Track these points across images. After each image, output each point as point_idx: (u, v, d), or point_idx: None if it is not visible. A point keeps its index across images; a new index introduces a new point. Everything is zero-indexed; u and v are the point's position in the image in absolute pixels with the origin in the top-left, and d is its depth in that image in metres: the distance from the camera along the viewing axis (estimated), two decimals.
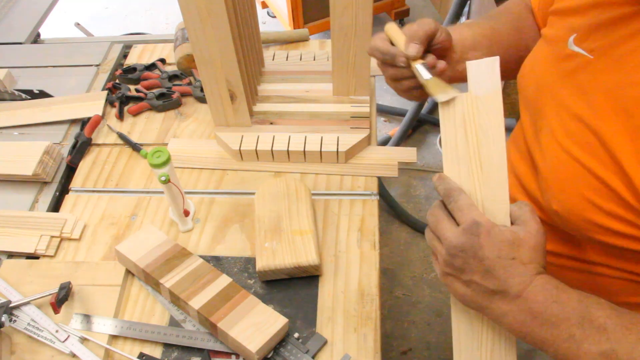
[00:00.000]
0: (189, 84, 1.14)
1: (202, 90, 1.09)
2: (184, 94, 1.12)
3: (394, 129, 2.22)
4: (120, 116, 1.09)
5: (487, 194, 0.58)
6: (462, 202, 0.56)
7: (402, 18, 2.74)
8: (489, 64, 0.57)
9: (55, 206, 0.96)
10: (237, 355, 0.73)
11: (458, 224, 0.56)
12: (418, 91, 0.70)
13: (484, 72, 0.58)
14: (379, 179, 0.96)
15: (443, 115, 0.59)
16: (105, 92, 1.13)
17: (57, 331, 0.75)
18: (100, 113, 1.07)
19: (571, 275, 0.69)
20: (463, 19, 2.01)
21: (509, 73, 0.75)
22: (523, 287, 0.53)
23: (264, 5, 2.79)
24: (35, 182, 0.97)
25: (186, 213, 0.88)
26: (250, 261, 0.84)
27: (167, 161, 0.79)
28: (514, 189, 0.74)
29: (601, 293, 0.61)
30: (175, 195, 0.83)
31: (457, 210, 0.56)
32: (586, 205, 0.58)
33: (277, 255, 0.79)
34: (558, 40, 0.65)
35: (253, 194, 0.92)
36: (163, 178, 0.78)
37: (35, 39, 1.35)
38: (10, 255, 0.87)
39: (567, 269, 0.70)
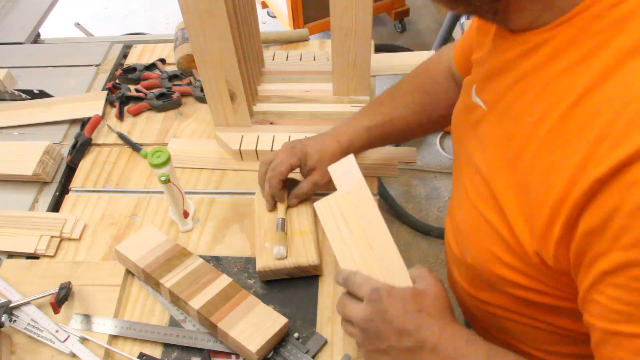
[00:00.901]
0: (189, 84, 1.14)
1: (202, 90, 1.09)
2: (184, 94, 1.12)
3: None
4: (120, 116, 1.09)
5: (384, 269, 0.63)
6: (358, 279, 0.60)
7: (402, 18, 2.74)
8: (347, 163, 0.69)
9: (55, 206, 0.96)
10: (237, 355, 0.73)
11: (360, 300, 0.59)
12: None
13: (346, 171, 0.69)
14: (379, 179, 0.96)
15: (322, 217, 0.68)
16: (105, 92, 1.13)
17: (57, 331, 0.75)
18: (100, 113, 1.07)
19: (505, 323, 0.65)
20: (463, 19, 2.01)
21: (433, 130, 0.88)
22: (437, 338, 0.54)
23: (264, 5, 2.80)
24: (35, 182, 0.97)
25: (186, 214, 0.88)
26: (250, 261, 0.83)
27: (167, 161, 0.79)
28: (446, 245, 0.73)
29: (528, 341, 0.64)
30: (175, 196, 0.83)
31: (357, 288, 0.60)
32: (491, 258, 0.56)
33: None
34: (466, 90, 0.65)
35: (253, 194, 0.92)
36: (163, 178, 0.78)
37: (35, 39, 1.35)
38: (10, 255, 0.87)
39: (499, 317, 0.65)
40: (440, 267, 1.86)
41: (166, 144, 1.03)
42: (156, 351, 0.75)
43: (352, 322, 0.60)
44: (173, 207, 0.86)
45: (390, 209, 2.00)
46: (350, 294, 0.62)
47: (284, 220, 0.82)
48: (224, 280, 0.77)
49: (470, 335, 0.55)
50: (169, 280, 0.77)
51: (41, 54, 1.27)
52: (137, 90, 1.13)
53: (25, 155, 0.97)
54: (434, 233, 1.93)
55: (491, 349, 0.54)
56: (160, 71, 1.17)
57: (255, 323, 0.71)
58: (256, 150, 0.96)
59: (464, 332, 0.55)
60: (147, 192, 0.95)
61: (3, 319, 0.73)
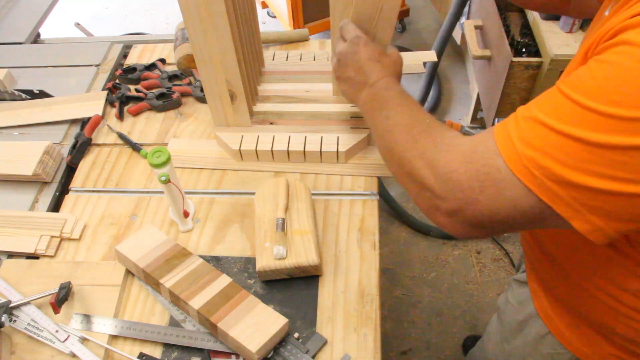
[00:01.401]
0: (189, 84, 1.14)
1: (202, 90, 1.09)
2: (184, 94, 1.12)
3: None
4: (120, 116, 1.09)
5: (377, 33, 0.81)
6: (349, 26, 0.80)
7: (402, 18, 2.74)
8: None
9: (55, 206, 0.96)
10: (237, 355, 0.73)
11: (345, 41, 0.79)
12: None
13: None
14: (379, 179, 0.96)
15: None
16: (105, 92, 1.13)
17: (57, 331, 0.75)
18: (100, 113, 1.07)
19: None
20: (463, 19, 2.01)
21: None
22: (375, 80, 0.74)
23: (264, 5, 2.80)
24: (35, 182, 0.97)
25: (186, 214, 0.88)
26: (250, 261, 0.83)
27: (167, 161, 0.79)
28: None
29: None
30: (175, 196, 0.83)
31: (346, 33, 0.80)
32: None
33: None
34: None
35: (253, 194, 0.92)
36: (163, 178, 0.78)
37: (35, 39, 1.35)
38: (10, 255, 0.87)
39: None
40: (440, 267, 1.86)
41: (166, 144, 1.03)
42: (156, 351, 0.75)
43: (334, 53, 0.80)
44: (173, 207, 0.86)
45: (390, 209, 2.00)
46: (342, 37, 0.81)
47: (283, 220, 0.82)
48: (224, 280, 0.77)
49: (399, 89, 0.72)
50: (169, 280, 0.77)
51: (41, 54, 1.27)
52: (137, 90, 1.13)
53: (25, 155, 0.97)
54: (434, 233, 1.93)
55: (405, 96, 0.70)
56: (160, 71, 1.17)
57: (255, 323, 0.71)
58: (256, 150, 0.96)
59: (397, 86, 0.73)
60: (147, 192, 0.95)
61: (3, 319, 0.73)
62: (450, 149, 0.56)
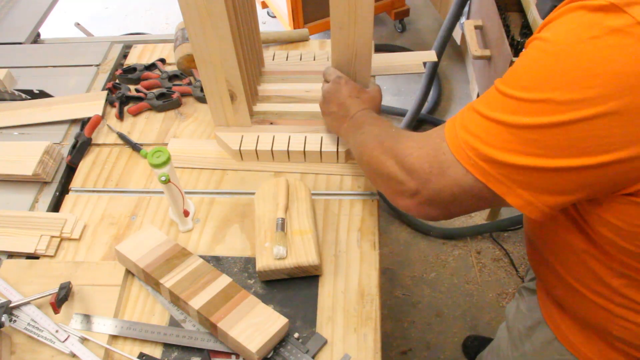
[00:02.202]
0: (189, 84, 1.14)
1: (202, 90, 1.09)
2: (184, 94, 1.12)
3: None
4: (120, 116, 1.09)
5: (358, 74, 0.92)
6: (331, 70, 0.92)
7: (402, 18, 2.74)
8: None
9: (55, 206, 0.96)
10: (237, 355, 0.73)
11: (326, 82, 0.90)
12: None
13: None
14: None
15: None
16: (105, 92, 1.13)
17: (57, 331, 0.75)
18: (100, 113, 1.07)
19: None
20: (463, 19, 2.01)
21: None
22: (355, 112, 0.84)
23: (264, 5, 2.79)
24: (35, 182, 0.97)
25: (186, 213, 0.88)
26: (250, 261, 0.84)
27: (167, 161, 0.79)
28: None
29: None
30: (175, 195, 0.83)
31: (327, 75, 0.92)
32: None
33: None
34: None
35: (253, 194, 0.92)
36: (163, 178, 0.78)
37: (35, 39, 1.35)
38: (10, 255, 0.87)
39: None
40: (440, 267, 1.86)
41: (166, 144, 1.03)
42: (156, 351, 0.75)
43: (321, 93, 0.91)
44: (173, 207, 0.86)
45: (390, 209, 2.00)
46: (325, 80, 0.92)
47: (283, 220, 0.82)
48: (224, 280, 0.77)
49: (375, 116, 0.82)
50: (169, 280, 0.77)
51: (41, 54, 1.27)
52: (137, 90, 1.13)
53: (25, 155, 0.97)
54: (434, 233, 1.93)
55: (378, 118, 0.81)
56: (160, 71, 1.17)
57: (255, 323, 0.71)
58: (256, 150, 0.96)
59: (374, 114, 0.83)
60: (147, 192, 0.95)
61: (3, 319, 0.73)
62: (408, 138, 0.65)
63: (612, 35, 0.47)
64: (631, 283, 0.62)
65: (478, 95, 2.07)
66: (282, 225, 0.81)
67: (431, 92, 2.18)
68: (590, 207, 0.59)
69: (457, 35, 2.41)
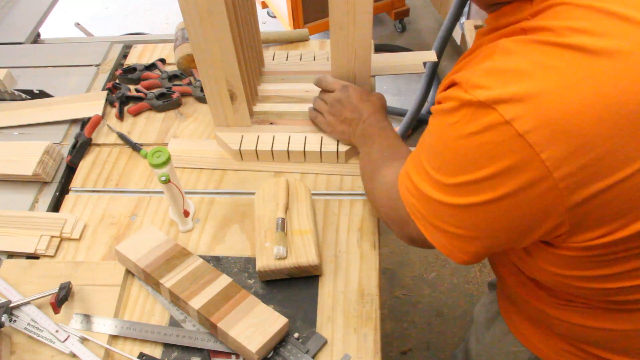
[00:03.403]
0: (189, 84, 1.14)
1: (202, 90, 1.09)
2: (184, 94, 1.12)
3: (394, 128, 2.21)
4: (120, 116, 1.09)
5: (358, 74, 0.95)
6: (330, 79, 0.95)
7: (402, 18, 2.74)
8: None
9: (55, 206, 0.96)
10: (237, 355, 0.73)
11: (333, 92, 0.93)
12: None
13: None
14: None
15: None
16: (105, 92, 1.13)
17: (57, 331, 0.75)
18: (100, 113, 1.07)
19: None
20: (463, 19, 2.01)
21: None
22: (367, 116, 0.88)
23: (264, 5, 2.79)
24: (35, 182, 0.97)
25: (186, 213, 0.88)
26: (250, 261, 0.84)
27: (167, 161, 0.79)
28: None
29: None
30: (176, 195, 0.83)
31: (329, 85, 0.94)
32: None
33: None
34: None
35: (253, 194, 0.92)
36: (163, 178, 0.78)
37: (35, 39, 1.35)
38: (10, 255, 0.87)
39: None
40: (440, 267, 1.86)
41: (166, 144, 1.03)
42: (156, 351, 0.75)
43: (323, 104, 0.94)
44: (173, 207, 0.86)
45: None
46: (326, 89, 0.95)
47: (283, 220, 0.82)
48: (224, 280, 0.77)
49: (382, 125, 0.87)
50: (169, 280, 0.77)
51: (41, 54, 1.27)
52: (137, 90, 1.13)
53: (25, 155, 0.97)
54: None
55: (385, 132, 0.86)
56: (160, 71, 1.17)
57: (255, 323, 0.71)
58: (256, 150, 0.96)
59: (383, 122, 0.88)
60: (147, 192, 0.95)
61: (3, 319, 0.73)
62: (381, 186, 0.74)
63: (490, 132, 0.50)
64: (565, 305, 0.68)
65: None
66: (282, 225, 0.81)
67: (431, 92, 2.18)
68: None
69: (457, 35, 2.41)
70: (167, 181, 0.79)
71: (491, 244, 0.59)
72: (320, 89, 0.97)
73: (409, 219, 0.64)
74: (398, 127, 2.17)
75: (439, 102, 0.57)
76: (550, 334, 0.75)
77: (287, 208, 0.85)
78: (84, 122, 1.09)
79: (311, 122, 0.99)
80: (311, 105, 1.03)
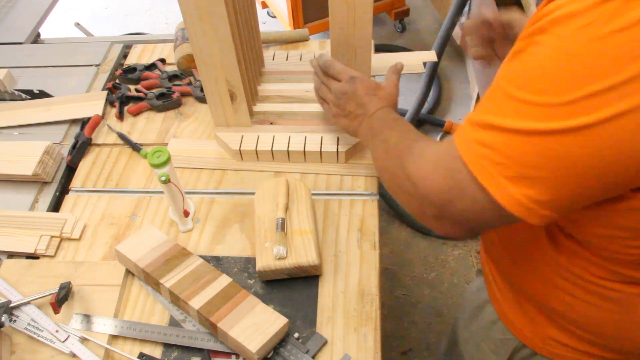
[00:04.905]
0: (189, 84, 1.14)
1: (202, 90, 1.09)
2: (184, 94, 1.12)
3: None
4: (120, 116, 1.09)
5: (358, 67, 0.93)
6: (338, 67, 0.87)
7: (402, 18, 2.74)
8: None
9: (55, 206, 0.96)
10: (237, 355, 0.73)
11: (339, 81, 0.86)
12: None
13: None
14: (379, 179, 0.96)
15: None
16: (105, 92, 1.13)
17: (57, 331, 0.75)
18: (100, 113, 1.07)
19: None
20: (463, 19, 2.01)
21: None
22: (374, 111, 0.81)
23: (264, 5, 2.79)
24: (35, 182, 0.97)
25: (186, 213, 0.88)
26: (250, 261, 0.84)
27: (167, 161, 0.79)
28: None
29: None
30: (175, 195, 0.83)
31: (337, 73, 0.87)
32: None
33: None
34: None
35: (253, 194, 0.92)
36: (163, 178, 0.78)
37: (35, 39, 1.35)
38: (10, 255, 0.87)
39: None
40: (440, 267, 1.86)
41: (166, 144, 1.03)
42: (156, 351, 0.75)
43: (328, 93, 0.87)
44: (173, 207, 0.86)
45: (390, 209, 2.00)
46: (334, 77, 0.87)
47: (283, 220, 0.82)
48: (224, 280, 0.77)
49: (395, 116, 0.79)
50: (169, 280, 0.77)
51: (41, 54, 1.27)
52: (137, 90, 1.13)
53: (25, 155, 0.97)
54: (434, 233, 1.93)
55: (397, 121, 0.77)
56: (160, 71, 1.17)
57: (255, 323, 0.71)
58: (256, 150, 0.96)
59: (392, 114, 0.80)
60: (147, 192, 0.95)
61: (3, 319, 0.73)
62: (421, 158, 0.61)
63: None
64: (579, 262, 0.64)
65: (478, 96, 2.07)
66: (282, 225, 0.81)
67: (431, 92, 2.18)
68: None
69: (457, 35, 2.41)
70: (167, 181, 0.79)
71: (587, 193, 0.50)
72: (322, 70, 0.89)
73: (469, 181, 0.53)
74: None
75: (540, 18, 0.48)
76: (540, 321, 0.74)
77: (287, 208, 0.85)
78: (84, 122, 1.09)
79: (311, 120, 0.99)
80: (312, 104, 1.03)
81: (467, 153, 0.54)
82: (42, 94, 1.13)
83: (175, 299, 0.77)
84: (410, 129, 0.73)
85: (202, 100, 1.10)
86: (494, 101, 0.52)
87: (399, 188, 0.65)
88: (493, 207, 0.52)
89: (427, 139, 0.66)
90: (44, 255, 0.86)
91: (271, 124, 1.00)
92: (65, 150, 1.03)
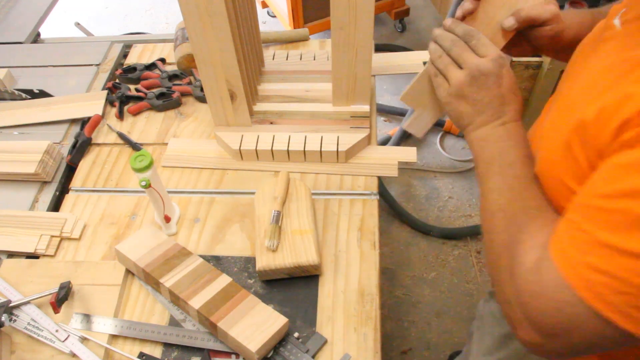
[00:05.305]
0: (189, 83, 1.14)
1: (202, 90, 1.09)
2: (184, 94, 1.12)
3: (394, 128, 2.22)
4: (120, 116, 1.09)
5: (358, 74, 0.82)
6: (484, 40, 0.66)
7: (402, 18, 2.74)
8: None
9: (55, 206, 0.96)
10: (237, 355, 0.73)
11: (481, 56, 0.65)
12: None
13: None
14: (379, 178, 0.96)
15: None
16: (105, 91, 1.13)
17: (57, 331, 0.75)
18: (100, 113, 1.07)
19: None
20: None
21: None
22: (509, 119, 0.64)
23: (264, 5, 2.79)
24: (35, 181, 0.97)
25: (167, 219, 0.86)
26: (250, 261, 0.84)
27: (149, 165, 0.77)
28: None
29: None
30: (157, 200, 0.82)
31: (481, 46, 0.65)
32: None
33: (277, 255, 0.79)
34: (611, 16, 0.60)
35: (253, 193, 0.92)
36: (143, 183, 0.76)
37: (35, 38, 1.35)
38: (10, 255, 0.87)
39: None
40: (440, 266, 1.86)
41: (166, 144, 1.03)
42: (156, 351, 0.75)
43: (455, 68, 0.66)
44: (156, 211, 0.86)
45: (390, 208, 2.00)
46: (473, 50, 0.66)
47: (279, 213, 0.82)
48: (224, 280, 0.77)
49: (527, 154, 0.62)
50: (169, 280, 0.77)
51: (41, 53, 1.27)
52: (137, 90, 1.13)
53: (25, 155, 0.97)
54: (434, 233, 1.93)
55: (523, 160, 0.61)
56: (160, 71, 1.17)
57: (255, 323, 0.71)
58: (256, 150, 0.96)
59: (526, 142, 0.63)
60: None
61: (3, 318, 0.73)
62: (520, 276, 0.52)
63: None
64: None
65: None
66: (276, 218, 0.81)
67: None
68: None
69: None
70: (147, 186, 0.77)
71: None
72: (449, 38, 0.68)
73: (586, 316, 0.46)
74: (398, 127, 2.17)
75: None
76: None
77: (284, 201, 0.84)
78: (84, 121, 1.09)
79: (311, 120, 0.99)
80: (312, 103, 1.02)
81: (578, 281, 0.46)
82: (42, 94, 1.13)
83: (175, 299, 0.77)
84: (531, 187, 0.60)
85: (202, 99, 1.10)
86: (608, 218, 0.44)
87: (498, 275, 0.56)
88: (621, 334, 0.46)
89: (535, 221, 0.56)
90: (44, 255, 0.86)
91: (271, 123, 1.00)
92: (65, 149, 1.03)
